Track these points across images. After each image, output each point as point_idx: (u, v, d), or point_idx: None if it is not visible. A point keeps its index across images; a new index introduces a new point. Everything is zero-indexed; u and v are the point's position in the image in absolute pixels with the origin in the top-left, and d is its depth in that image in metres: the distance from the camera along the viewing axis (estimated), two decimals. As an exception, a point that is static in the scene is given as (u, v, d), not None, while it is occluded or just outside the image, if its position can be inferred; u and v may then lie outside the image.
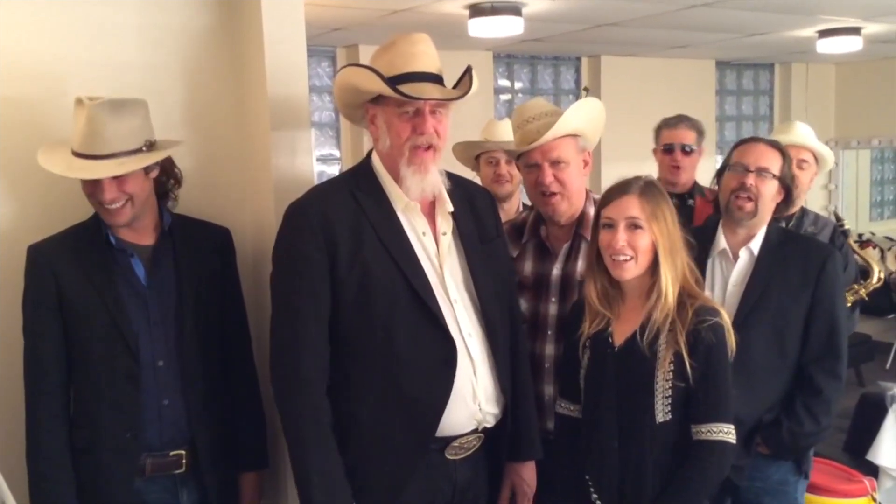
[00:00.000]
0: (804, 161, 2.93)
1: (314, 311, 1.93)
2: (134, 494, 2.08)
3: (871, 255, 4.13)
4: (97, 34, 2.28)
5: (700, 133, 3.39)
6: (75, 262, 2.07)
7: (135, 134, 2.02)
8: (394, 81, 1.90)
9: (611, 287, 2.02)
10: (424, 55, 1.96)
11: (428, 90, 1.92)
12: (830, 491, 3.40)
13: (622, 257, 1.94)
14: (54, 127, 2.16)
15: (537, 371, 2.30)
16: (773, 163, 2.36)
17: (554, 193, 2.31)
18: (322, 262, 1.92)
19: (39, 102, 2.21)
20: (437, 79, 1.97)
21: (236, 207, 2.48)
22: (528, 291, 2.39)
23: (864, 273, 3.06)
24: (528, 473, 2.19)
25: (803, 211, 3.00)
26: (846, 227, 3.07)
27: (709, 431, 1.92)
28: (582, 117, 2.34)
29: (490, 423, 2.03)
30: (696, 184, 3.39)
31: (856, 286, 2.95)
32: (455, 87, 2.01)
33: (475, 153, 3.41)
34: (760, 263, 2.37)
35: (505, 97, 6.55)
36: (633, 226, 1.94)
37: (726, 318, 1.96)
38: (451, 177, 2.10)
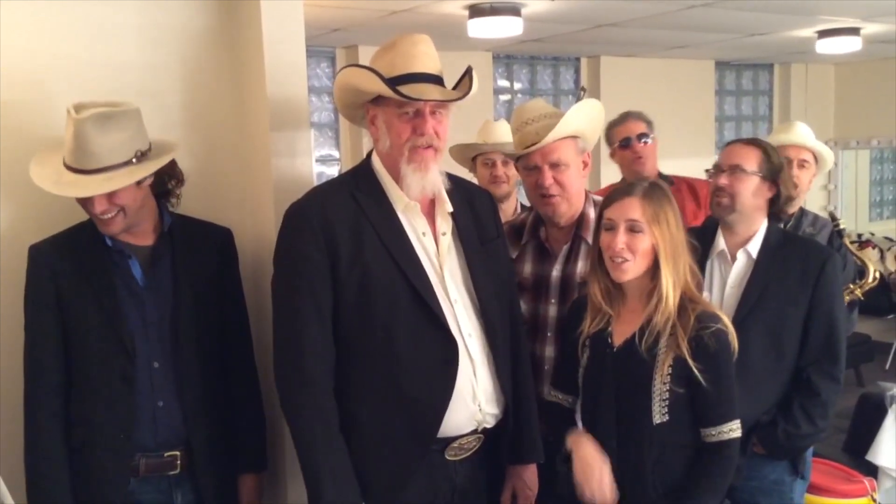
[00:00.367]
0: (805, 161, 2.94)
1: (316, 312, 1.93)
2: (128, 495, 2.08)
3: (867, 254, 4.13)
4: (96, 34, 2.28)
5: (649, 123, 3.40)
6: (74, 263, 2.07)
7: (124, 146, 2.00)
8: (394, 82, 1.90)
9: (613, 286, 2.02)
10: (425, 56, 1.96)
11: (428, 91, 1.92)
12: (830, 491, 3.40)
13: (620, 259, 1.94)
14: (53, 128, 2.15)
15: (537, 372, 2.30)
16: (747, 159, 2.36)
17: (553, 195, 2.31)
18: (323, 262, 1.92)
19: (39, 103, 2.21)
20: (437, 80, 1.97)
21: (236, 208, 2.48)
22: (527, 293, 2.39)
23: (862, 273, 3.07)
24: (529, 476, 2.19)
25: (802, 212, 3.00)
26: (842, 226, 3.06)
27: (719, 433, 1.93)
28: (582, 119, 2.34)
29: (490, 423, 2.03)
30: (660, 173, 3.39)
31: (852, 286, 2.95)
32: (455, 87, 2.01)
33: (472, 155, 3.41)
34: (759, 265, 2.37)
35: (504, 98, 6.54)
36: (633, 228, 1.94)
37: (728, 324, 1.96)
38: (451, 178, 2.10)
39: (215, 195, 2.46)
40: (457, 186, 2.09)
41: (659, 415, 1.92)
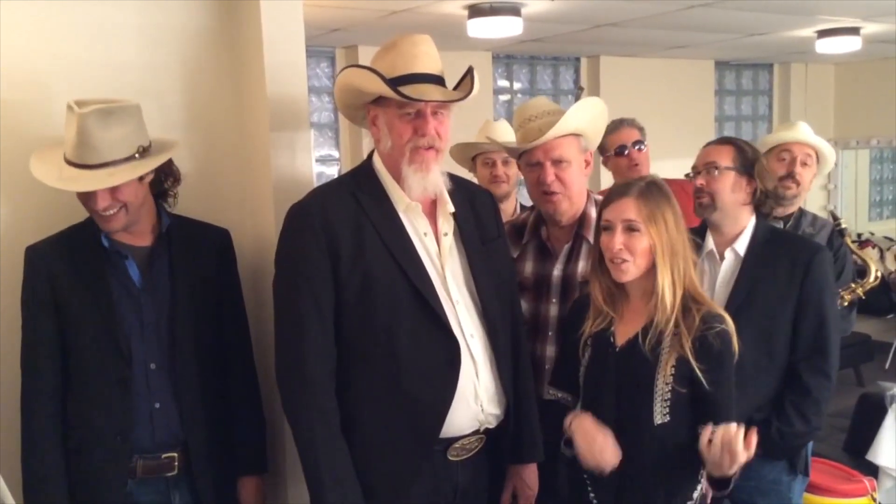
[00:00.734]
0: (808, 158, 2.93)
1: (317, 312, 1.92)
2: (126, 496, 2.08)
3: (869, 254, 4.13)
4: (96, 34, 2.27)
5: (642, 129, 3.41)
6: (70, 264, 2.06)
7: (126, 141, 2.00)
8: (395, 83, 1.90)
9: (614, 287, 2.02)
10: (426, 56, 1.96)
11: (429, 92, 1.92)
12: (830, 491, 3.40)
13: (619, 260, 1.94)
14: (53, 127, 2.15)
15: (538, 372, 2.30)
16: (721, 156, 2.38)
17: (555, 192, 2.31)
18: (324, 262, 1.92)
19: (39, 102, 2.21)
20: (438, 80, 1.97)
21: (235, 208, 2.48)
22: (528, 292, 2.39)
23: (862, 272, 3.06)
24: (529, 476, 2.19)
25: (801, 211, 3.00)
26: (843, 226, 3.06)
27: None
28: (584, 117, 2.34)
29: (492, 423, 2.03)
30: None
31: (853, 285, 2.95)
32: (456, 87, 2.01)
33: (472, 154, 3.40)
34: (746, 263, 2.37)
35: (504, 98, 6.55)
36: (630, 228, 1.93)
37: (731, 324, 1.96)
38: (452, 178, 2.09)
39: (215, 195, 2.46)
40: (458, 186, 2.09)
41: (660, 415, 1.92)
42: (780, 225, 2.93)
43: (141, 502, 2.10)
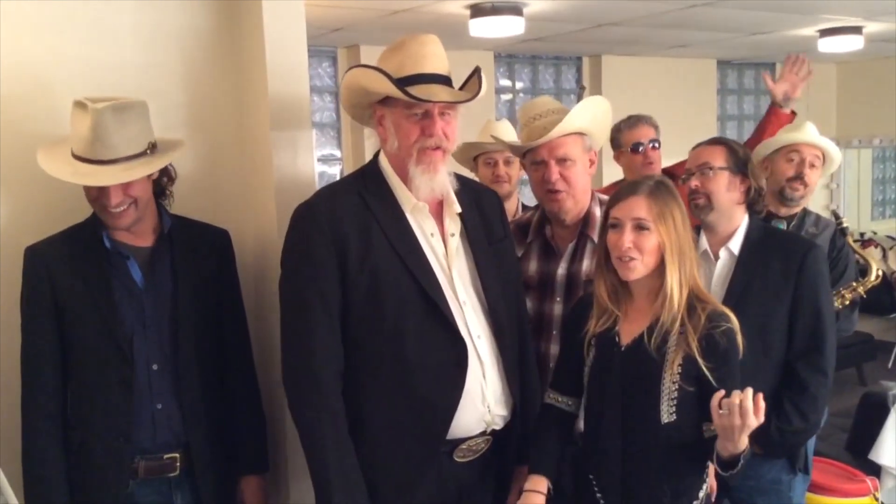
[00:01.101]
0: (816, 158, 2.93)
1: (325, 312, 1.92)
2: (127, 497, 2.08)
3: (871, 253, 4.13)
4: (98, 34, 2.27)
5: (657, 127, 3.42)
6: (71, 264, 2.06)
7: (139, 137, 2.02)
8: (403, 83, 1.89)
9: (619, 285, 2.02)
10: (433, 56, 1.95)
11: (437, 92, 1.91)
12: (832, 490, 3.40)
13: (628, 258, 1.94)
14: (54, 128, 2.15)
15: (542, 370, 2.29)
16: (714, 156, 2.39)
17: (560, 191, 2.31)
18: (331, 263, 1.91)
19: (40, 102, 2.21)
20: (445, 80, 1.96)
21: (237, 208, 2.48)
22: (532, 291, 2.39)
23: (864, 271, 3.06)
24: None
25: (805, 211, 2.99)
26: (845, 225, 3.06)
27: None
28: (589, 116, 2.35)
29: (499, 425, 2.03)
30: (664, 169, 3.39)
31: (854, 284, 2.95)
32: (462, 87, 2.01)
33: (474, 154, 3.40)
34: (740, 262, 2.37)
35: (506, 97, 6.55)
36: (640, 227, 1.93)
37: (736, 322, 1.96)
38: (459, 178, 2.09)
39: (217, 195, 2.46)
40: (464, 186, 2.09)
41: (667, 414, 1.92)
42: (784, 225, 2.92)
43: (143, 503, 2.10)
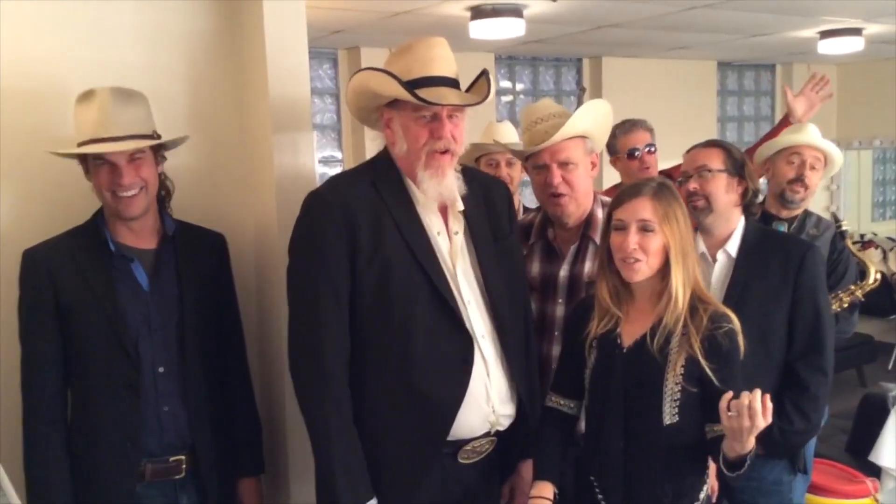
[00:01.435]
0: (817, 160, 2.93)
1: (335, 302, 1.91)
2: (133, 499, 2.07)
3: (869, 256, 4.13)
4: (99, 35, 2.28)
5: (652, 131, 3.41)
6: (73, 266, 2.04)
7: (145, 121, 2.05)
8: (411, 86, 1.89)
9: (622, 287, 2.02)
10: (442, 59, 1.95)
11: (446, 95, 1.91)
12: (832, 492, 3.40)
13: (633, 259, 1.94)
14: (55, 129, 2.16)
15: (544, 372, 2.30)
16: (712, 159, 2.39)
17: (562, 194, 2.32)
18: (342, 252, 1.91)
19: (40, 104, 2.21)
20: (454, 83, 1.96)
21: (238, 209, 2.48)
22: (534, 293, 2.39)
23: (863, 274, 3.07)
24: (527, 472, 2.17)
25: (806, 213, 3.00)
26: (844, 228, 3.06)
27: (720, 430, 1.92)
28: (590, 119, 2.35)
29: (503, 425, 2.03)
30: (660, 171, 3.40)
31: (853, 287, 2.95)
32: (468, 90, 2.01)
33: (475, 156, 3.41)
34: (739, 264, 2.38)
35: (506, 98, 6.55)
36: (645, 228, 1.93)
37: (737, 323, 1.96)
38: (469, 170, 2.08)
39: (217, 196, 2.46)
40: (473, 179, 2.08)
41: (669, 415, 1.92)
42: (785, 226, 2.93)
43: None
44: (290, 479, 2.43)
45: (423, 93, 1.88)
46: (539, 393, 2.18)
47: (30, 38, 2.20)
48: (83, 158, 2.04)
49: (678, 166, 2.66)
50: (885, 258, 7.25)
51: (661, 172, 3.29)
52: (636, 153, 3.31)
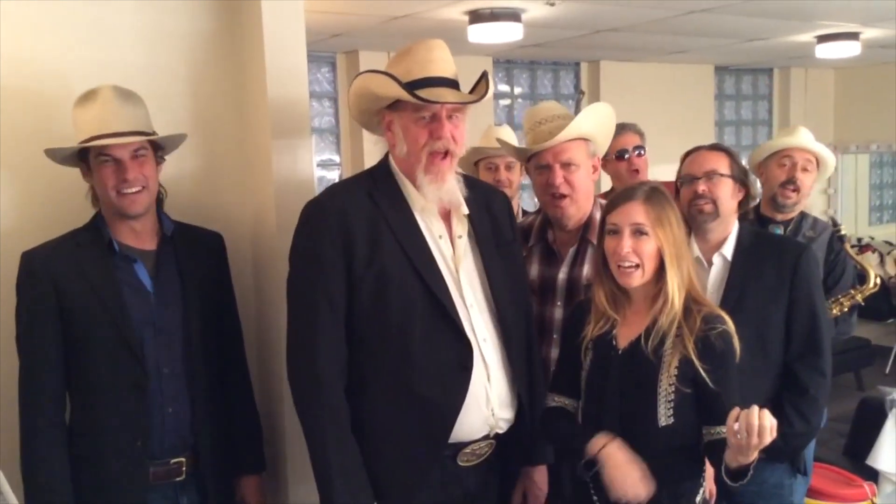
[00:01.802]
0: (808, 164, 2.94)
1: (330, 310, 1.92)
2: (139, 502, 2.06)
3: (868, 260, 4.14)
4: (99, 36, 2.28)
5: (642, 134, 3.43)
6: (75, 268, 2.04)
7: (145, 119, 2.07)
8: (411, 87, 1.90)
9: (618, 291, 2.03)
10: (441, 61, 1.96)
11: (445, 94, 1.92)
12: (830, 495, 3.41)
13: (628, 264, 1.94)
14: (55, 129, 2.16)
15: (543, 374, 2.31)
16: (720, 163, 2.40)
17: (563, 195, 2.33)
18: (338, 260, 1.92)
19: (39, 105, 2.21)
20: (453, 84, 1.97)
21: (237, 212, 2.48)
22: (534, 295, 2.39)
23: (862, 278, 3.07)
24: (539, 477, 2.19)
25: (802, 215, 3.00)
26: (843, 231, 3.07)
27: (717, 433, 1.92)
28: (593, 121, 2.36)
29: (502, 428, 2.03)
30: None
31: (852, 291, 2.96)
32: (471, 92, 2.01)
33: (475, 159, 3.41)
34: (735, 267, 2.38)
35: (504, 102, 6.56)
36: (638, 232, 1.94)
37: (731, 325, 1.97)
38: (469, 180, 2.10)
39: (216, 199, 2.46)
40: (473, 188, 2.09)
41: (665, 417, 1.92)
42: (781, 229, 2.93)
43: None
44: (289, 479, 2.43)
45: (422, 93, 1.89)
46: (543, 395, 2.18)
47: (29, 39, 2.20)
48: (83, 159, 2.04)
49: (669, 183, 2.65)
50: (882, 262, 7.27)
51: None
52: (625, 155, 3.33)
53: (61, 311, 2.03)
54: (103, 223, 2.09)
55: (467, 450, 1.99)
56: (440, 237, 2.01)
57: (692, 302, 1.96)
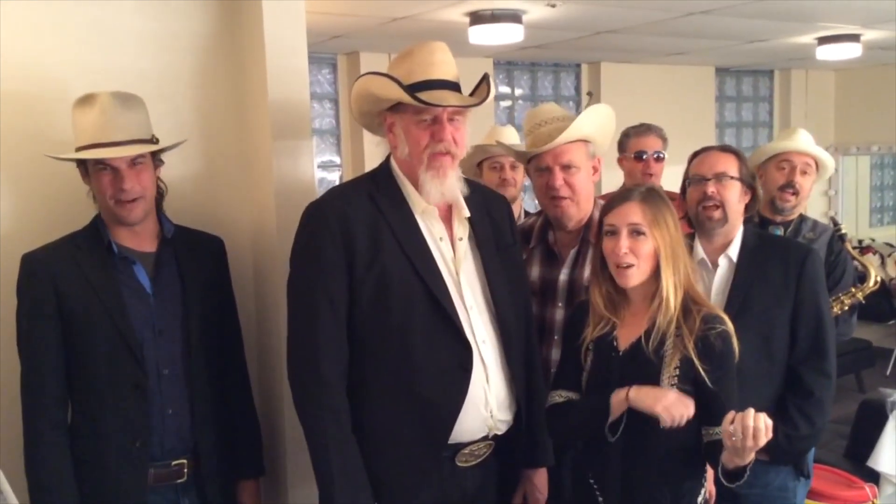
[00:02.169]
0: (807, 167, 2.95)
1: (331, 311, 1.93)
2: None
3: (869, 259, 4.14)
4: (99, 38, 2.28)
5: (665, 140, 3.44)
6: (75, 270, 2.04)
7: (144, 125, 2.06)
8: (412, 89, 1.91)
9: (616, 292, 2.03)
10: (443, 63, 1.97)
11: (446, 97, 1.93)
12: (831, 497, 3.41)
13: (625, 264, 1.95)
14: (54, 132, 2.16)
15: (544, 375, 2.30)
16: (730, 166, 2.38)
17: (564, 197, 2.33)
18: (339, 262, 1.92)
19: (38, 107, 2.21)
20: (455, 86, 1.98)
21: (237, 214, 2.48)
22: (534, 296, 2.39)
23: (862, 278, 3.08)
24: (540, 480, 2.19)
25: (802, 217, 3.01)
26: (843, 231, 3.07)
27: (715, 434, 1.92)
28: (593, 123, 2.37)
29: (501, 430, 2.03)
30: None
31: (853, 290, 2.96)
32: (472, 94, 2.02)
33: (478, 160, 3.41)
34: (740, 269, 2.38)
35: (505, 104, 6.56)
36: (636, 232, 1.95)
37: (730, 325, 1.97)
38: (469, 183, 2.10)
39: (216, 201, 2.46)
40: (474, 191, 2.10)
41: (666, 417, 1.93)
42: (781, 230, 2.94)
43: None
44: (289, 482, 2.43)
45: (424, 96, 1.90)
46: (544, 397, 2.18)
47: (29, 41, 2.20)
48: (82, 162, 2.05)
49: (674, 193, 2.65)
50: (882, 263, 7.26)
51: None
52: (643, 156, 3.34)
53: (62, 313, 2.03)
54: (102, 225, 2.10)
55: (466, 450, 1.99)
56: (441, 239, 2.01)
57: (691, 302, 1.97)
